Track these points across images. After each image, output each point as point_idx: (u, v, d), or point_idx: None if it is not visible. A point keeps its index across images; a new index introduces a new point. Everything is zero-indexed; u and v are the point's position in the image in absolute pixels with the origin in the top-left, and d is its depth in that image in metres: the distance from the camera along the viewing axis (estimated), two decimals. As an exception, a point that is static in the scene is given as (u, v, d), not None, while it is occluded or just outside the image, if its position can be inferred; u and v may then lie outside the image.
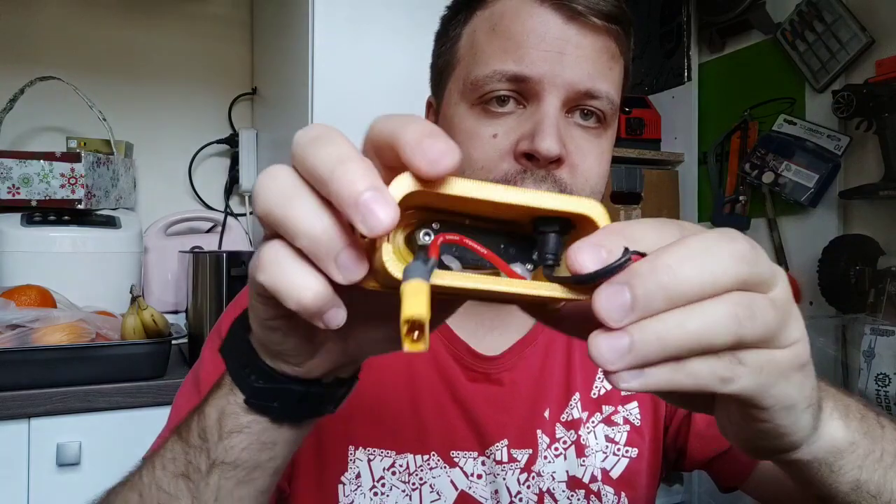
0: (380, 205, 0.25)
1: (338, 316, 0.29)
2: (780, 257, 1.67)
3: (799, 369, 0.30)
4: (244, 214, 1.77)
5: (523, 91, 0.56)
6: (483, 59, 0.57)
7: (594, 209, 0.28)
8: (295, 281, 0.28)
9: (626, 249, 0.26)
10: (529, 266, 0.30)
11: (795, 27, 1.61)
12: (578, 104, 0.57)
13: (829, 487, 0.37)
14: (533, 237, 0.30)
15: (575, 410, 0.65)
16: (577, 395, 0.65)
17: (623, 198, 1.80)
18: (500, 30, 0.57)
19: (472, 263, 0.30)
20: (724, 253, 0.27)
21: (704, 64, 1.90)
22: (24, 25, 1.59)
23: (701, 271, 0.26)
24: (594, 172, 0.58)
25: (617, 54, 0.59)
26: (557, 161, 0.55)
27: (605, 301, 0.25)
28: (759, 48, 1.74)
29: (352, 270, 0.27)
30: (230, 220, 1.73)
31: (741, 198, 1.75)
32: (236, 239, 1.72)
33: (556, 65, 0.55)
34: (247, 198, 1.75)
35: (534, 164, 0.55)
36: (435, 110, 0.65)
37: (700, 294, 0.26)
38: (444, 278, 0.27)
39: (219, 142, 1.76)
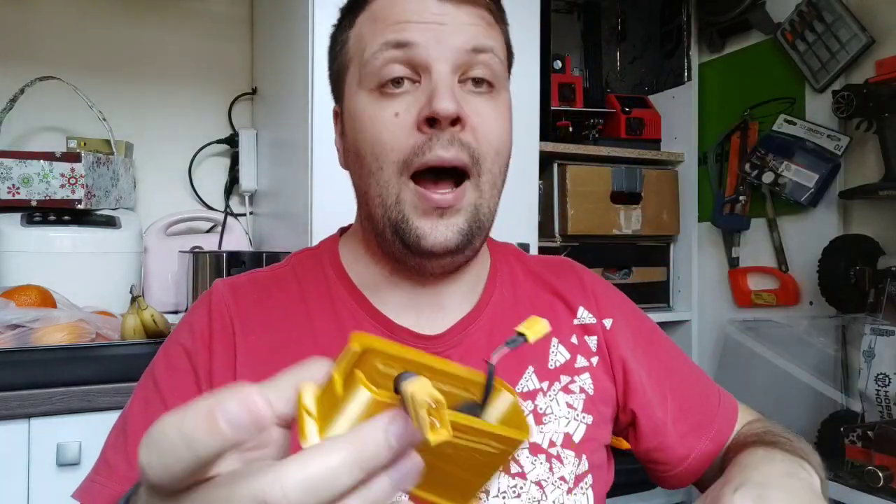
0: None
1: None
2: (780, 257, 1.68)
3: None
4: (244, 214, 1.77)
5: (413, 63, 0.59)
6: (369, 43, 0.60)
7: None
8: None
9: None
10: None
11: (795, 27, 1.61)
12: (469, 68, 0.60)
13: None
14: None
15: (530, 382, 0.67)
16: (530, 368, 0.67)
17: (623, 198, 1.80)
18: (380, 17, 0.61)
19: None
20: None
21: (704, 64, 1.90)
22: (23, 25, 1.59)
23: None
24: (496, 134, 0.61)
25: (493, 23, 0.63)
26: (458, 122, 0.58)
27: None
28: (759, 48, 1.74)
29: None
30: (230, 220, 1.73)
31: (741, 198, 1.75)
32: (236, 239, 1.72)
33: (439, 33, 0.59)
34: (247, 198, 1.75)
35: (437, 128, 0.57)
36: (340, 115, 0.67)
37: None
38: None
39: (219, 142, 1.76)
